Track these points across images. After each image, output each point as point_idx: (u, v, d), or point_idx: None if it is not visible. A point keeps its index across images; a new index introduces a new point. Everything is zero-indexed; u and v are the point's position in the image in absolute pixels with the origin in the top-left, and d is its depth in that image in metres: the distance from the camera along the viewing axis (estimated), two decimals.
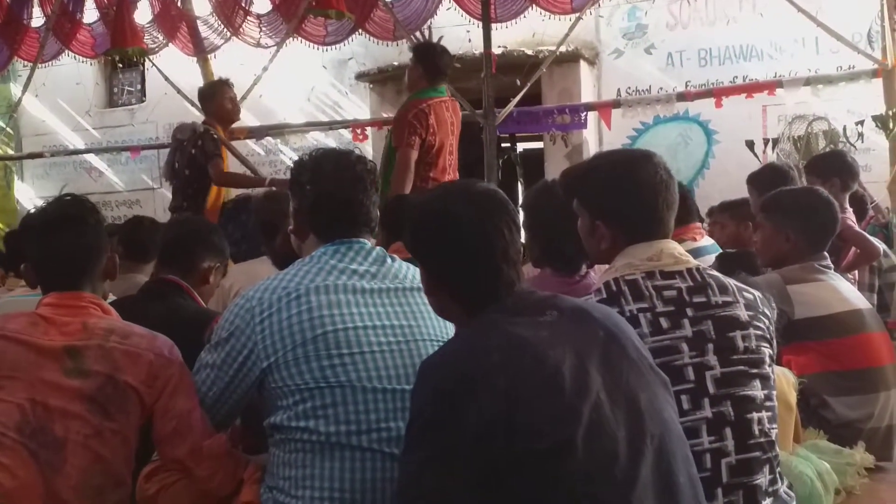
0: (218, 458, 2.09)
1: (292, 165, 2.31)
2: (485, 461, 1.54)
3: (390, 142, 5.11)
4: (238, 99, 5.74)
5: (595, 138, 8.94)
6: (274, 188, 4.80)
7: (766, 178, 4.30)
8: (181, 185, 5.49)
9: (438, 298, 1.86)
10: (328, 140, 9.11)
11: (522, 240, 1.94)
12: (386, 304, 2.09)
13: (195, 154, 5.36)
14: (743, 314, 2.03)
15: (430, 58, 5.16)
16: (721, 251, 4.05)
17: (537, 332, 1.64)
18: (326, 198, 2.16)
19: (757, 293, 2.14)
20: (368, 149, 8.99)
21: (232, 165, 5.81)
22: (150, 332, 2.10)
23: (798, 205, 3.33)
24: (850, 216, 4.47)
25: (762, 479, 1.92)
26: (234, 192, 5.70)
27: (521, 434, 1.53)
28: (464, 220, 1.76)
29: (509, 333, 1.64)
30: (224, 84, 5.86)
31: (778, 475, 1.99)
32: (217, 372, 2.05)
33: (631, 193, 2.10)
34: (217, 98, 5.63)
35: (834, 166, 4.47)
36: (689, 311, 1.99)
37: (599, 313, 1.75)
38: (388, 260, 2.17)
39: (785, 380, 2.70)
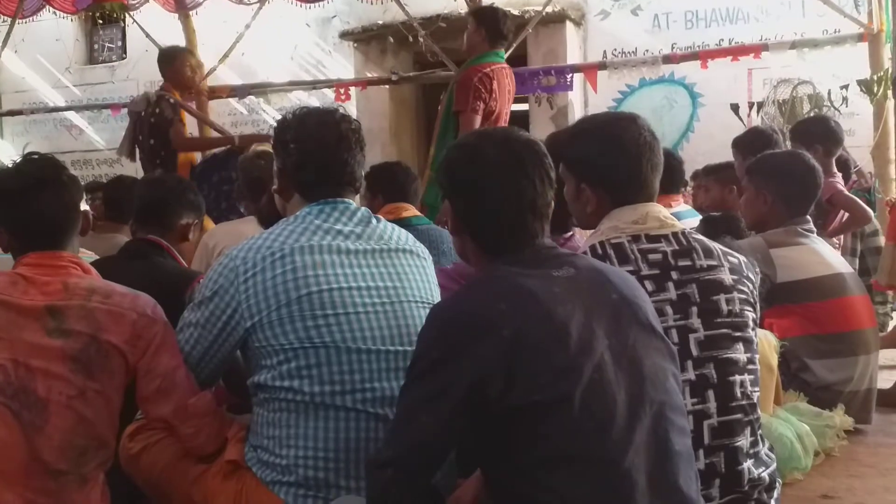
0: (203, 415, 2.08)
1: (276, 124, 2.28)
2: (480, 406, 1.57)
3: (449, 105, 5.04)
4: (220, 57, 5.67)
5: (581, 100, 8.91)
6: (255, 146, 4.76)
7: (750, 142, 4.31)
8: (148, 155, 5.45)
9: (461, 239, 1.85)
10: (311, 99, 9.02)
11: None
12: (371, 265, 2.08)
13: (154, 122, 5.31)
14: (727, 278, 2.03)
15: (494, 21, 5.06)
16: (702, 215, 4.06)
17: (550, 286, 1.64)
18: (310, 156, 2.14)
19: (742, 257, 2.14)
20: (352, 108, 8.94)
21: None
22: (132, 292, 2.08)
23: (778, 168, 3.34)
24: (839, 180, 4.48)
25: (743, 441, 1.94)
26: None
27: (519, 384, 1.55)
28: (496, 161, 1.75)
29: (520, 285, 1.64)
30: (185, 51, 5.82)
31: (759, 437, 2.01)
32: (201, 330, 2.04)
33: (614, 155, 2.10)
34: (176, 63, 5.57)
35: (817, 132, 4.47)
36: (674, 275, 1.99)
37: (616, 277, 1.75)
38: (374, 220, 2.16)
39: (767, 342, 2.73)
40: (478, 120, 4.78)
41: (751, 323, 2.05)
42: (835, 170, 4.47)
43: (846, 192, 4.47)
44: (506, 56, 5.27)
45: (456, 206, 1.83)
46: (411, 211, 3.77)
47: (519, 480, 1.58)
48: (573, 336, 1.59)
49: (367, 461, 1.77)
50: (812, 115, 7.37)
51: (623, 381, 1.60)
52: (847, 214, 4.45)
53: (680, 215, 3.91)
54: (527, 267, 1.70)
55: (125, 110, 9.72)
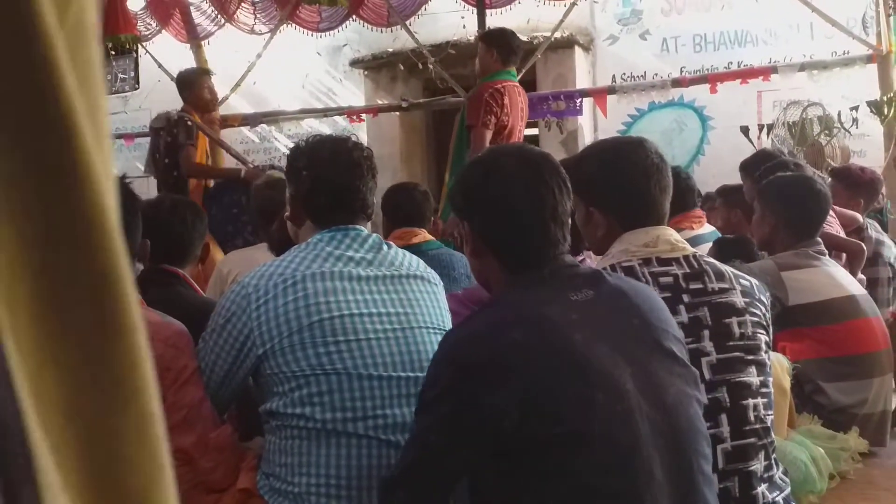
0: (222, 450, 2.07)
1: (289, 151, 2.30)
2: (494, 437, 1.54)
3: (462, 122, 5.07)
4: (232, 86, 5.72)
5: (590, 125, 8.93)
6: (267, 178, 4.79)
7: (757, 164, 4.31)
8: (161, 174, 5.50)
9: (482, 260, 1.79)
10: (323, 127, 9.08)
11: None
12: (382, 292, 2.09)
13: (170, 142, 5.37)
14: (739, 301, 2.03)
15: (503, 40, 5.13)
16: (719, 237, 4.06)
17: (567, 313, 1.60)
18: (323, 183, 2.16)
19: (754, 280, 2.14)
20: (363, 135, 8.98)
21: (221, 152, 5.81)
22: (164, 319, 2.07)
23: (783, 192, 3.34)
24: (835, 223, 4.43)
25: (758, 466, 1.93)
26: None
27: (535, 417, 1.52)
28: (514, 173, 1.73)
29: (535, 313, 1.61)
30: (204, 73, 5.85)
31: (773, 461, 2.00)
32: (215, 358, 2.05)
33: (622, 178, 2.11)
34: (195, 87, 5.62)
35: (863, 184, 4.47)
36: (686, 298, 1.99)
37: (639, 298, 1.71)
38: (385, 247, 2.17)
39: (779, 365, 2.72)
40: (489, 135, 4.79)
41: (763, 346, 2.05)
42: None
43: (832, 233, 4.37)
44: (518, 78, 5.31)
45: (475, 225, 1.78)
46: (422, 236, 3.77)
47: None
48: (593, 366, 1.55)
49: (379, 484, 1.77)
50: (822, 136, 7.37)
51: (646, 410, 1.57)
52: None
53: (704, 237, 3.92)
54: (545, 288, 1.67)
55: (138, 140, 9.86)
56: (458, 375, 1.59)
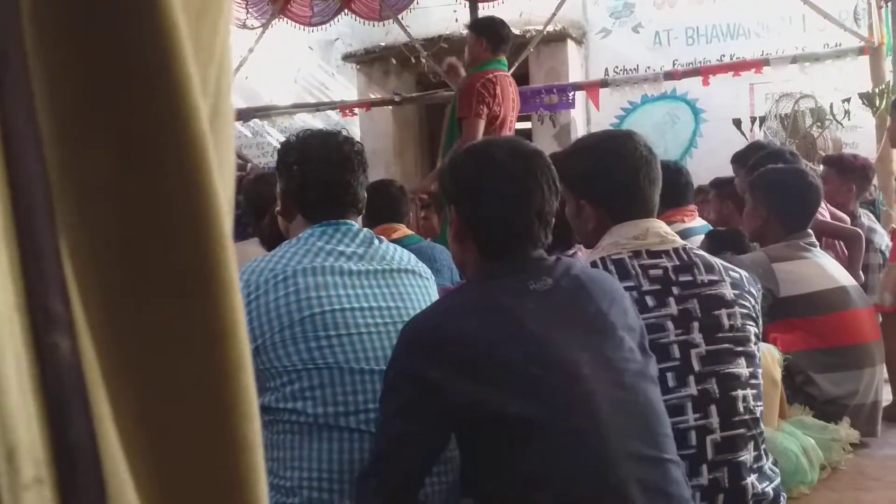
0: None
1: (279, 146, 2.30)
2: (451, 420, 1.60)
3: (453, 113, 5.03)
4: None
5: (583, 118, 8.93)
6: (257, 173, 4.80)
7: (749, 157, 4.32)
8: None
9: (462, 244, 1.82)
10: (316, 121, 9.08)
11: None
12: (373, 286, 2.09)
13: None
14: (729, 293, 2.04)
15: (492, 28, 5.07)
16: (711, 229, 4.07)
17: (524, 302, 1.64)
18: (313, 178, 2.16)
19: (743, 272, 2.15)
20: (356, 129, 8.98)
21: None
22: None
23: (774, 184, 3.35)
24: (823, 212, 4.44)
25: (747, 456, 1.94)
26: None
27: (492, 399, 1.55)
28: (506, 167, 1.74)
29: (494, 301, 1.65)
30: None
31: (763, 452, 2.01)
32: None
33: (612, 171, 2.12)
34: None
35: (855, 170, 4.48)
36: (675, 290, 2.00)
37: (597, 286, 1.73)
38: (376, 241, 2.17)
39: (770, 356, 2.73)
40: (481, 125, 4.75)
41: (753, 337, 2.06)
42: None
43: (827, 220, 4.39)
44: (511, 70, 5.29)
45: (461, 210, 1.80)
46: (401, 231, 3.76)
47: (506, 493, 1.58)
48: (549, 352, 1.59)
49: (356, 477, 1.80)
50: (814, 128, 7.39)
51: (607, 390, 1.59)
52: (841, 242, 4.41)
53: (695, 230, 3.93)
54: (510, 278, 1.70)
55: None
56: (414, 359, 1.64)
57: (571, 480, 1.54)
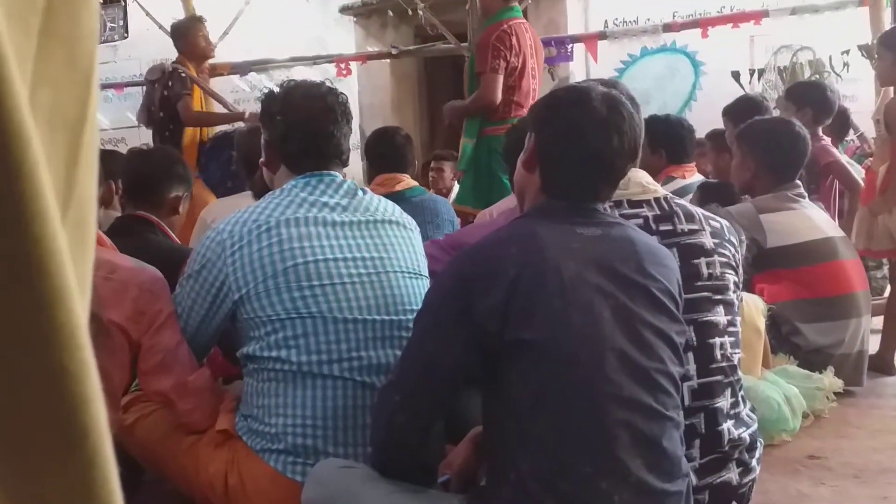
0: (201, 392, 2.11)
1: (263, 97, 2.30)
2: (482, 344, 1.61)
3: (472, 68, 5.00)
4: (220, 34, 5.63)
5: (582, 71, 8.86)
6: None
7: (740, 110, 4.31)
8: (157, 126, 5.47)
9: (529, 174, 1.82)
10: (313, 74, 9.01)
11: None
12: (357, 237, 2.11)
13: (167, 95, 5.33)
14: (708, 241, 2.06)
15: None
16: (703, 181, 4.09)
17: (568, 241, 1.65)
18: (296, 129, 2.16)
19: (724, 222, 2.16)
20: (353, 84, 8.92)
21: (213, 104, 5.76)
22: (139, 265, 2.09)
23: (763, 136, 3.35)
24: (828, 145, 4.46)
25: (723, 403, 1.97)
26: (214, 130, 5.65)
27: (512, 321, 1.57)
28: (602, 112, 1.72)
29: (536, 234, 1.66)
30: (197, 21, 5.77)
31: (740, 398, 2.04)
32: (192, 304, 2.08)
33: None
34: (189, 35, 5.55)
35: (810, 96, 4.45)
36: (656, 239, 2.01)
37: (644, 250, 1.72)
38: (360, 192, 2.18)
39: (754, 306, 2.76)
40: (500, 80, 4.68)
41: (732, 286, 2.07)
42: (822, 135, 4.44)
43: (842, 162, 4.44)
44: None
45: (540, 139, 1.79)
46: (405, 182, 3.75)
47: (508, 421, 1.60)
48: (576, 289, 1.60)
49: (379, 390, 1.83)
50: (812, 79, 7.33)
51: (619, 342, 1.60)
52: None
53: (693, 187, 3.95)
54: (559, 219, 1.71)
55: (128, 89, 9.81)
56: (459, 285, 1.65)
57: (571, 413, 1.56)
